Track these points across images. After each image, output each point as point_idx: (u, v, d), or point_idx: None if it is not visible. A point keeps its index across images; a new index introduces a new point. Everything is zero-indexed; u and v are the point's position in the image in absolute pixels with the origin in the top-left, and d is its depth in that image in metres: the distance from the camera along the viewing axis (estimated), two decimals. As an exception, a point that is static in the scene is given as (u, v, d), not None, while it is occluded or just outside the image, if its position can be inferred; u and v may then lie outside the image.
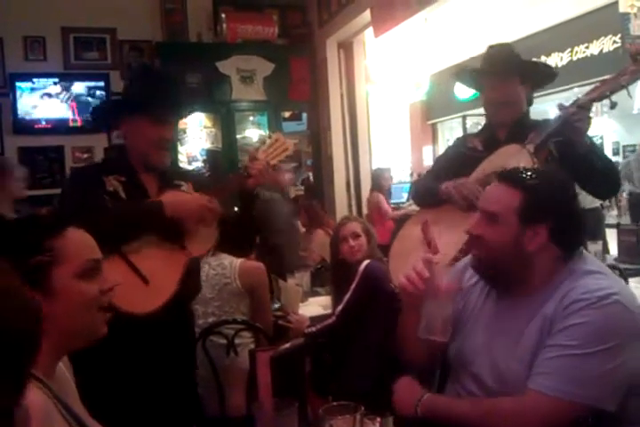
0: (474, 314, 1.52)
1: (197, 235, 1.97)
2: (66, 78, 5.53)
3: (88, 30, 5.65)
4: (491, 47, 2.25)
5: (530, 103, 2.26)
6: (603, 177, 2.04)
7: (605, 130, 10.57)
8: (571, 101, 1.99)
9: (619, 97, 1.96)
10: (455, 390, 1.52)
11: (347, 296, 2.61)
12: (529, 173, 1.42)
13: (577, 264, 1.40)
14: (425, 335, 1.39)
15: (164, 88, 2.03)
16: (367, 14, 4.86)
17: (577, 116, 1.93)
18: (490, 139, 2.24)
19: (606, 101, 1.96)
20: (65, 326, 1.09)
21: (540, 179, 1.41)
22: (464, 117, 7.76)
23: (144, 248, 1.88)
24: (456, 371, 1.54)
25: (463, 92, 6.93)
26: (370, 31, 5.07)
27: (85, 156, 5.55)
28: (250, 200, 2.12)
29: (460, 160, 2.26)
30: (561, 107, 1.98)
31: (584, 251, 1.47)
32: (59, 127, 5.46)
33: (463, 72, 2.38)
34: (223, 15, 5.77)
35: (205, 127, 6.01)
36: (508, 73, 2.16)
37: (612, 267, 3.44)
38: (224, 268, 2.58)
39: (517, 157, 1.93)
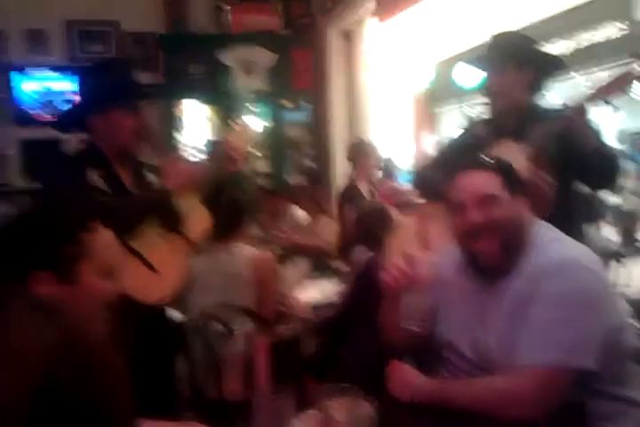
0: (454, 296, 1.57)
1: (190, 220, 2.02)
2: (69, 71, 5.53)
3: (91, 23, 5.65)
4: (494, 36, 2.24)
5: (539, 91, 2.23)
6: (601, 173, 2.04)
7: (607, 116, 10.43)
8: (575, 102, 1.98)
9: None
10: (443, 369, 1.56)
11: (345, 289, 2.61)
12: (485, 156, 1.61)
13: (536, 234, 1.48)
14: (405, 325, 1.50)
15: (129, 78, 2.07)
16: (371, 2, 4.84)
17: (578, 120, 1.94)
18: (496, 128, 2.23)
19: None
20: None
21: (496, 158, 1.59)
22: (466, 106, 7.72)
23: (147, 238, 1.92)
24: (442, 350, 1.57)
25: (466, 81, 6.89)
26: (373, 20, 5.06)
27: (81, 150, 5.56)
28: (227, 183, 2.24)
29: (464, 148, 2.26)
30: (565, 107, 1.98)
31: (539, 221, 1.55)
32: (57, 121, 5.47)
33: (470, 60, 2.38)
34: (226, 6, 5.77)
35: (208, 118, 6.02)
36: (498, 61, 2.15)
37: (609, 249, 3.44)
38: (235, 257, 2.56)
39: (514, 158, 1.91)
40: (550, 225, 1.55)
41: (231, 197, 2.64)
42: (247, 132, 2.26)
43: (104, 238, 1.16)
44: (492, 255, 1.45)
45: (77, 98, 2.18)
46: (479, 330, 1.46)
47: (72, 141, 5.45)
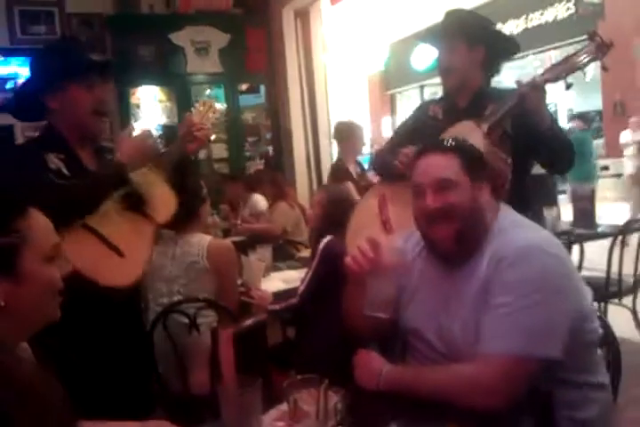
0: (418, 282, 1.56)
1: (157, 201, 1.99)
2: (12, 54, 5.30)
3: (34, 3, 5.41)
4: (447, 13, 2.23)
5: (492, 71, 2.23)
6: (558, 155, 2.07)
7: (560, 97, 10.70)
8: (529, 79, 1.99)
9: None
10: (409, 356, 1.56)
11: (308, 276, 2.59)
12: (449, 140, 1.54)
13: (498, 220, 1.47)
14: (369, 312, 1.45)
15: (82, 54, 2.00)
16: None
17: (532, 97, 1.94)
18: (450, 107, 2.23)
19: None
20: (27, 310, 1.06)
21: (461, 140, 1.55)
22: (422, 87, 7.77)
23: (108, 219, 1.88)
24: (407, 337, 1.57)
25: (421, 62, 6.92)
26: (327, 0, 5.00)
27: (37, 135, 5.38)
28: (189, 165, 2.19)
29: (420, 129, 2.26)
30: (519, 84, 1.98)
31: (501, 205, 1.54)
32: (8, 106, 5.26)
33: (422, 36, 2.37)
34: (174, -15, 5.61)
35: (160, 101, 5.88)
36: (450, 38, 2.15)
37: (568, 232, 3.53)
38: (191, 246, 2.52)
39: (470, 137, 1.93)
40: (509, 207, 1.55)
41: (193, 183, 2.59)
42: (212, 110, 2.22)
43: (40, 221, 1.10)
44: (447, 242, 1.44)
45: (24, 80, 2.10)
46: (444, 317, 1.45)
47: (19, 128, 5.29)
